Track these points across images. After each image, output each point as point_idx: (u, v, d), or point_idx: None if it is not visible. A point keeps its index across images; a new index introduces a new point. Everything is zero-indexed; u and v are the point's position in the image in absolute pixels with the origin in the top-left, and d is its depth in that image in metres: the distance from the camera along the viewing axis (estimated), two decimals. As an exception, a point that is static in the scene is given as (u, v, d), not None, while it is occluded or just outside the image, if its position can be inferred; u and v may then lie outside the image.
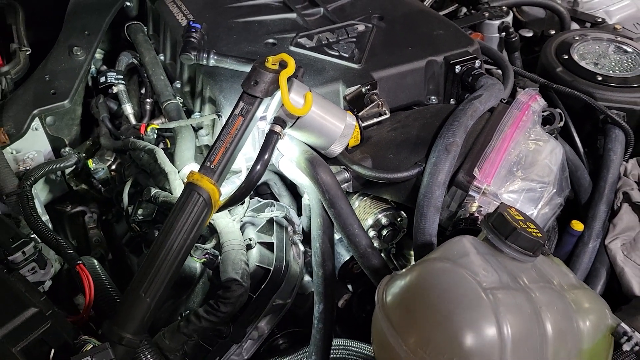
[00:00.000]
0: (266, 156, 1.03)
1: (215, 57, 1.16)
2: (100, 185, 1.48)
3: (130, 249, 1.45)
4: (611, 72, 1.48)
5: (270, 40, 1.38)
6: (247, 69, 1.15)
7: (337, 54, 1.33)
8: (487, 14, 1.64)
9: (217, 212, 1.07)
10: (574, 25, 1.75)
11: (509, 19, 1.66)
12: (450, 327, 0.77)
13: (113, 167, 1.48)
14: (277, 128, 1.05)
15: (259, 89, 1.04)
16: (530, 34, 1.76)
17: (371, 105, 1.25)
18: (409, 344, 0.78)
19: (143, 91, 1.63)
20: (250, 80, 1.05)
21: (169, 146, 1.41)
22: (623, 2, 1.77)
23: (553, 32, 1.69)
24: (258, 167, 1.03)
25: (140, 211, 1.29)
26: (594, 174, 1.40)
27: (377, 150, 1.19)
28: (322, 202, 1.08)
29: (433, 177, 1.07)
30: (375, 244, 1.27)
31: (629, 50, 1.55)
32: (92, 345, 0.95)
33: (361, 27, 1.42)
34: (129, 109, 1.50)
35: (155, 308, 1.00)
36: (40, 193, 1.52)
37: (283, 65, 1.06)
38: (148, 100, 1.58)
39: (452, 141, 1.09)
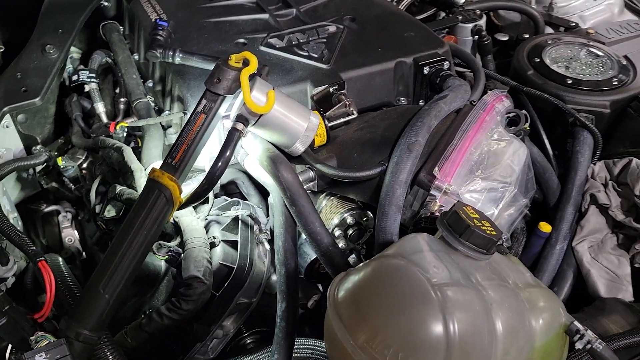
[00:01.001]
0: (227, 153, 1.04)
1: (181, 55, 1.16)
2: (70, 184, 1.48)
3: (99, 247, 1.45)
4: (581, 75, 1.49)
5: (241, 40, 1.38)
6: (212, 67, 1.16)
7: (306, 54, 1.34)
8: (460, 17, 1.65)
9: (179, 209, 1.07)
10: (548, 30, 1.76)
11: (481, 22, 1.68)
12: (397, 322, 0.77)
13: (84, 165, 1.47)
14: (240, 126, 1.06)
15: (222, 87, 1.05)
16: (505, 38, 1.77)
17: (338, 105, 1.25)
18: (357, 339, 0.78)
19: (117, 90, 1.63)
20: (213, 77, 1.05)
21: (139, 145, 1.41)
22: (597, 7, 1.79)
23: (527, 36, 1.70)
24: (219, 164, 1.03)
25: (107, 209, 1.29)
26: (563, 177, 1.41)
27: (343, 149, 1.20)
28: (284, 200, 1.08)
29: (395, 176, 1.07)
30: (342, 244, 1.27)
31: (600, 54, 1.56)
32: (47, 341, 0.94)
33: (332, 28, 1.42)
34: (100, 107, 1.50)
35: (114, 304, 1.00)
36: (11, 191, 1.51)
37: (246, 63, 1.06)
38: (122, 99, 1.58)
39: (415, 141, 1.09)
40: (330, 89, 1.27)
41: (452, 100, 1.20)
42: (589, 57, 1.56)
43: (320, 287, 1.40)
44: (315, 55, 1.33)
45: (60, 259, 1.24)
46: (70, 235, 1.72)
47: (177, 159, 1.04)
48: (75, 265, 1.56)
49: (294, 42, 1.37)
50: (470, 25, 1.65)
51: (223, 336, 1.25)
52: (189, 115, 1.18)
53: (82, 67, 1.71)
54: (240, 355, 1.22)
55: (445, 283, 0.81)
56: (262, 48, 1.36)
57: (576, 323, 0.90)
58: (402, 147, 1.09)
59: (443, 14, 1.88)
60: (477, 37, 1.64)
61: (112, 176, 1.36)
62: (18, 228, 1.22)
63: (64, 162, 1.41)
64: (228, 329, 1.25)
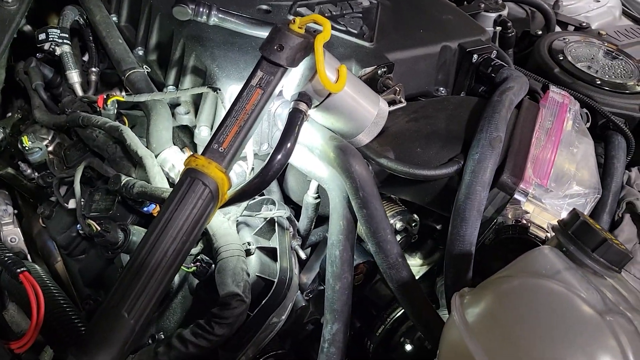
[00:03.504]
0: (290, 143, 0.82)
1: (219, 15, 0.92)
2: (31, 170, 1.17)
3: (69, 251, 1.16)
4: (607, 76, 1.43)
5: (264, 7, 1.16)
6: (260, 32, 0.94)
7: (344, 29, 1.14)
8: (482, 5, 1.54)
9: (220, 207, 0.84)
10: (557, 29, 1.70)
11: (505, 12, 1.57)
12: (563, 356, 0.62)
13: (50, 147, 1.17)
14: (303, 106, 0.85)
15: (284, 56, 0.83)
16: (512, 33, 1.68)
17: (387, 91, 1.07)
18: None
19: (86, 58, 1.33)
20: (273, 44, 0.83)
21: (127, 125, 1.14)
22: (601, 9, 1.75)
23: (540, 32, 1.62)
24: (279, 156, 0.82)
25: (94, 204, 1.02)
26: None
27: (399, 143, 1.02)
28: (353, 200, 0.88)
29: (477, 176, 0.92)
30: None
31: (618, 56, 1.51)
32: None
33: (365, 2, 1.24)
34: (75, 76, 1.21)
35: (140, 331, 0.76)
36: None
37: (308, 31, 0.86)
38: (93, 69, 1.29)
39: (496, 136, 0.94)
40: (379, 71, 1.09)
41: (519, 92, 1.07)
42: (607, 58, 1.51)
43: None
44: (355, 31, 1.14)
45: (38, 268, 0.95)
46: (14, 234, 1.40)
47: (226, 144, 0.81)
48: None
49: (326, 15, 1.17)
50: (494, 15, 1.53)
51: (244, 362, 1.03)
52: (223, 92, 0.96)
53: (29, 27, 1.39)
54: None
55: (603, 308, 0.67)
56: (290, 18, 1.14)
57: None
58: (483, 143, 0.93)
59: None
60: (500, 28, 1.53)
61: (97, 163, 1.08)
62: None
63: (30, 142, 1.10)
64: (248, 354, 1.03)
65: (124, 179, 0.96)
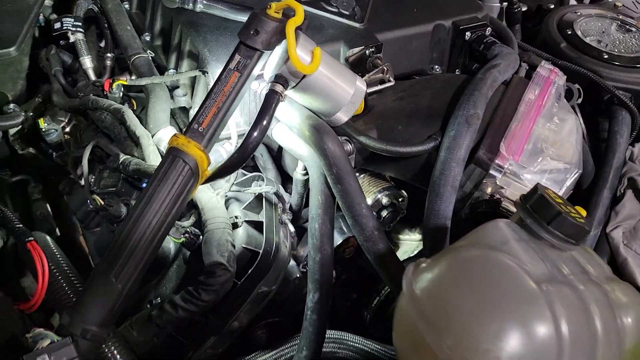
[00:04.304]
0: (265, 121, 0.88)
1: (204, 2, 0.98)
2: (51, 150, 1.28)
3: (85, 224, 1.26)
4: (616, 50, 1.40)
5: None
6: (242, 18, 0.99)
7: (336, 10, 1.18)
8: (488, -18, 1.53)
9: (202, 183, 0.91)
10: (572, 2, 1.67)
11: (511, -12, 1.56)
12: (500, 325, 0.65)
13: (67, 129, 1.27)
14: (279, 88, 0.90)
15: (260, 40, 0.88)
16: (525, 8, 1.66)
17: (375, 70, 1.11)
18: (447, 342, 0.66)
19: (102, 44, 1.42)
20: (250, 29, 0.88)
21: (135, 107, 1.23)
22: (618, -20, 1.71)
23: (552, 6, 1.60)
24: (255, 133, 0.87)
25: (102, 181, 1.11)
26: (597, 158, 1.32)
27: (383, 121, 1.06)
28: (328, 176, 0.93)
29: (452, 153, 0.95)
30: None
31: (632, 29, 1.48)
32: (50, 341, 0.78)
33: (360, -16, 1.26)
34: (88, 62, 1.30)
35: (127, 296, 0.84)
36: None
37: (286, 14, 0.90)
38: (108, 54, 1.38)
39: (474, 113, 0.96)
40: (367, 51, 1.12)
41: (505, 70, 1.08)
42: (620, 32, 1.47)
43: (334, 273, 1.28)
44: (347, 13, 1.17)
45: (48, 237, 1.05)
46: (42, 208, 1.52)
47: (205, 124, 0.87)
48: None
49: (320, -3, 1.20)
50: (500, -9, 1.53)
51: (237, 328, 1.10)
52: (210, 75, 1.02)
53: (55, 16, 1.49)
54: (261, 351, 1.08)
55: (545, 278, 0.70)
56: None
57: (666, 321, 0.80)
58: (459, 120, 0.96)
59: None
60: (506, 3, 1.52)
61: (105, 142, 1.17)
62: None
63: (46, 124, 1.20)
64: (242, 321, 1.11)
65: (122, 157, 1.04)
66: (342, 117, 0.98)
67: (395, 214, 1.14)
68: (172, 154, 0.86)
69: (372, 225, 0.95)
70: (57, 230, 1.51)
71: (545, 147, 0.96)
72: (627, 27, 1.48)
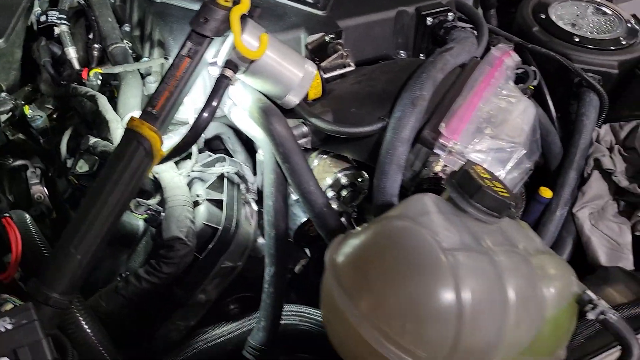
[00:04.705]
0: (214, 103, 0.94)
1: (165, -7, 1.04)
2: (39, 136, 1.36)
3: (71, 205, 1.34)
4: (589, 33, 1.42)
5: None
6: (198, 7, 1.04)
7: (300, -2, 1.23)
8: (463, -33, 1.55)
9: (160, 163, 0.97)
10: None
11: (486, -27, 1.58)
12: (405, 290, 0.70)
13: (54, 116, 1.35)
14: (228, 72, 0.95)
15: (209, 28, 0.93)
16: (506, -6, 1.68)
17: (335, 55, 1.15)
18: (360, 307, 0.71)
19: (91, 36, 1.49)
20: (200, 17, 0.94)
21: (116, 95, 1.30)
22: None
23: (530, -10, 1.61)
24: (205, 114, 0.93)
25: (80, 163, 1.19)
26: (566, 140, 1.34)
27: (339, 103, 1.11)
28: (276, 156, 0.99)
29: (396, 133, 0.99)
30: (335, 206, 1.19)
31: (608, 12, 1.48)
32: (12, 305, 0.85)
33: (327, -28, 1.31)
34: (72, 52, 1.37)
35: (87, 266, 0.90)
36: (-28, 143, 1.39)
37: (236, 1, 0.95)
38: (96, 45, 1.45)
39: (419, 95, 1.00)
40: (327, 38, 1.16)
41: (459, 53, 1.11)
42: (596, 15, 1.48)
43: (307, 251, 1.33)
44: (310, 1, 1.22)
45: (27, 216, 1.13)
46: (40, 192, 1.60)
47: (158, 107, 0.93)
48: (44, 224, 1.46)
49: (285, -14, 1.25)
50: (474, -23, 1.55)
51: (205, 301, 1.17)
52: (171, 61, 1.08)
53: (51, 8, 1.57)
54: (224, 322, 1.14)
55: (456, 247, 0.74)
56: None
57: (589, 292, 0.84)
58: (405, 102, 1.00)
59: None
60: (481, -11, 1.54)
61: (85, 128, 1.25)
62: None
63: (31, 111, 1.28)
64: (211, 294, 1.17)
65: (92, 140, 1.12)
66: (293, 99, 1.02)
67: (355, 193, 1.18)
68: (128, 135, 0.92)
69: (322, 202, 1.00)
70: (54, 212, 1.60)
71: (486, 127, 1.00)
72: (603, 10, 1.48)
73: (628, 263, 1.24)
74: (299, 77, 1.01)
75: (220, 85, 0.95)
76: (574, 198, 1.29)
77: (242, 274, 1.20)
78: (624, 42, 1.39)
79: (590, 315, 0.83)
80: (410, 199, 0.83)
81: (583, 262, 1.26)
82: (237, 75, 0.97)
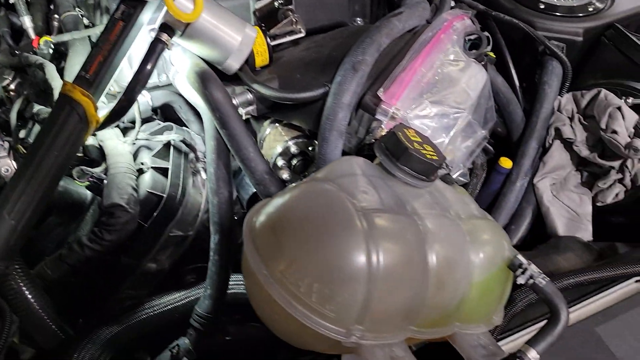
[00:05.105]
0: (148, 66, 0.92)
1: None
2: (-1, 108, 1.36)
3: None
4: (556, 0, 1.38)
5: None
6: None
7: (250, -37, 1.20)
8: None
9: (98, 129, 0.97)
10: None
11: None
12: (315, 251, 0.69)
13: (12, 86, 1.34)
14: (164, 36, 0.94)
15: (142, -10, 0.92)
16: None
17: (285, 21, 1.13)
18: (272, 270, 0.70)
19: (52, 7, 1.48)
20: (133, -21, 0.92)
21: (70, 64, 1.29)
22: None
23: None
24: (139, 77, 0.92)
25: (23, 132, 1.18)
26: (528, 110, 1.31)
27: (286, 70, 1.09)
28: (214, 121, 0.97)
29: (337, 98, 0.97)
30: (285, 175, 1.17)
31: (578, -21, 1.44)
32: (-56, 271, 0.85)
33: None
34: (27, 21, 1.36)
35: (22, 231, 0.90)
36: None
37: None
38: (56, 16, 1.44)
39: (361, 59, 0.98)
40: (276, 4, 1.14)
41: (408, 18, 1.08)
42: (565, -19, 1.44)
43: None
44: (261, -34, 1.20)
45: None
46: (7, 165, 1.61)
47: (92, 71, 0.92)
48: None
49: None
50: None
51: (157, 271, 1.17)
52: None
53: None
54: (172, 291, 1.14)
55: (374, 209, 0.72)
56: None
57: (519, 257, 0.82)
58: (346, 67, 0.98)
59: None
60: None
61: (39, 97, 1.24)
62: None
63: (-13, 82, 1.28)
64: (163, 264, 1.17)
65: (36, 108, 1.11)
66: (233, 64, 1.01)
67: (306, 162, 1.17)
68: (60, 100, 0.91)
69: (262, 169, 0.99)
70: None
71: (429, 93, 0.97)
72: (575, -24, 1.44)
73: (587, 234, 1.22)
74: (238, 41, 0.99)
75: (154, 49, 0.93)
76: (535, 168, 1.27)
77: (201, 245, 1.20)
78: (591, 9, 1.35)
79: (520, 280, 0.81)
80: (338, 161, 0.82)
81: (543, 233, 1.24)
82: (174, 39, 0.95)
